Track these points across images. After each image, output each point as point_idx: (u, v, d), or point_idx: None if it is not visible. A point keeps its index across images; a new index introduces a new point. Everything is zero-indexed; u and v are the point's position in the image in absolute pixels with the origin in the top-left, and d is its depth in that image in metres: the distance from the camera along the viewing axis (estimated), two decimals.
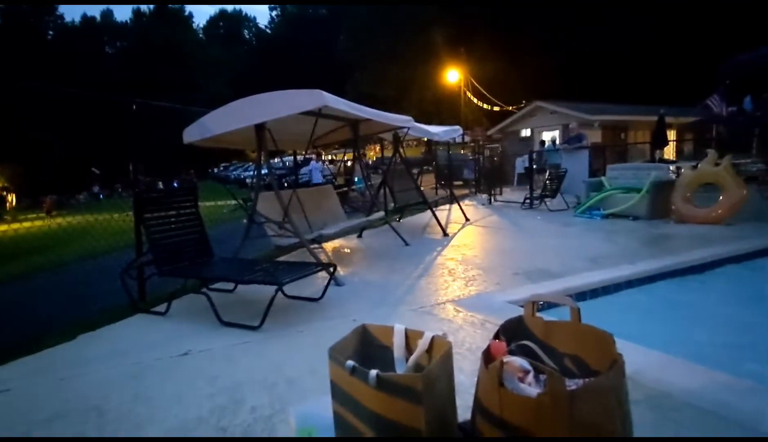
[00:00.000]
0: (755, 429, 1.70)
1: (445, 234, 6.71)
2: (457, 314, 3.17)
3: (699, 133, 16.17)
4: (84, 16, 52.60)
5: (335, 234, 5.20)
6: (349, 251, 5.95)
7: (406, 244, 5.94)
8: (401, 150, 7.36)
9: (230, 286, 3.94)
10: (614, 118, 18.09)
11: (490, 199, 11.51)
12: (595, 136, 16.20)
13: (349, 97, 5.97)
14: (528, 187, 10.31)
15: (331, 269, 3.62)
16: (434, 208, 7.45)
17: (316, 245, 4.83)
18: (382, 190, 7.46)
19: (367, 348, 1.58)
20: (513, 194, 12.44)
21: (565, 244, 5.88)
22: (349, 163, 16.78)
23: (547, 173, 10.03)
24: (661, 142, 12.65)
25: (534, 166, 11.26)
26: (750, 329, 3.23)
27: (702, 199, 6.96)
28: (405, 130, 6.80)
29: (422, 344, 1.43)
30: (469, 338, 2.68)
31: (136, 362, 2.62)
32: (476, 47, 28.02)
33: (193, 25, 59.13)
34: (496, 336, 1.39)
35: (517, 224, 7.89)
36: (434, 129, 8.48)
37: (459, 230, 7.18)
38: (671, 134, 15.39)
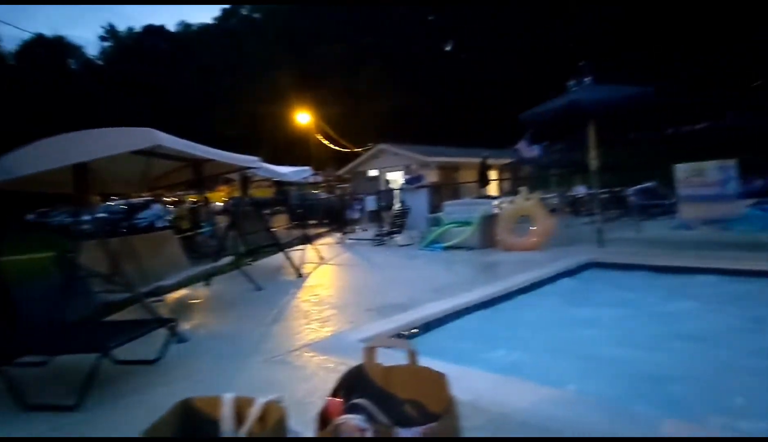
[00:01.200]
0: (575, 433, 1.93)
1: (300, 275, 6.61)
2: (311, 359, 3.11)
3: (514, 172, 19.05)
4: None
5: (177, 284, 4.74)
6: (195, 301, 5.46)
7: (259, 288, 5.69)
8: (249, 190, 7.14)
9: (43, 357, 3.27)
10: (447, 160, 20.39)
11: (343, 238, 11.75)
12: (432, 176, 17.92)
13: (198, 136, 5.58)
14: (378, 224, 10.82)
15: (171, 325, 3.27)
16: (288, 249, 7.32)
17: (155, 298, 4.33)
18: (231, 233, 7.08)
19: (192, 426, 1.39)
20: (364, 232, 12.91)
21: (412, 276, 6.27)
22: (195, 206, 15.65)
23: (393, 210, 10.67)
24: (483, 181, 14.56)
25: (382, 204, 11.90)
26: (583, 337, 3.62)
27: (521, 229, 8.09)
28: (253, 170, 6.63)
29: (254, 413, 1.32)
30: (322, 385, 2.63)
31: None
32: (322, 90, 29.16)
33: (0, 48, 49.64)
34: (335, 393, 1.38)
35: (369, 260, 8.18)
36: (283, 169, 8.43)
37: (314, 270, 7.16)
38: (494, 174, 17.77)
